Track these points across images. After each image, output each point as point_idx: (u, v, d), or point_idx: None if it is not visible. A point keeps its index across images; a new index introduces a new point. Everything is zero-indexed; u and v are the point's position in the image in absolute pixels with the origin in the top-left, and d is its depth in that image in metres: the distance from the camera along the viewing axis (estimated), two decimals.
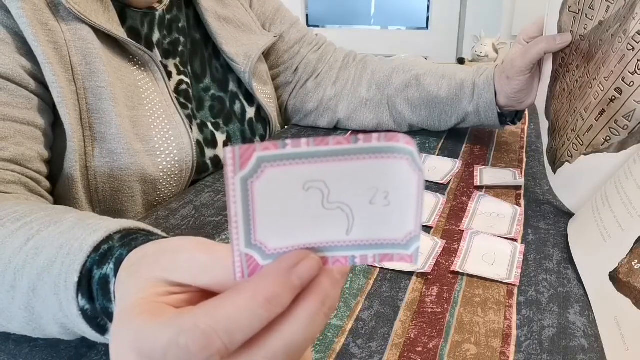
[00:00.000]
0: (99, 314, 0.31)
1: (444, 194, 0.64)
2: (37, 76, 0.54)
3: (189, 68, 0.72)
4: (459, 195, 0.64)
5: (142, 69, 0.63)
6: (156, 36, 0.67)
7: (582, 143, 0.55)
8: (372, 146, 0.20)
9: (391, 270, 0.48)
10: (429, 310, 0.43)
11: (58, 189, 0.57)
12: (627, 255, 0.42)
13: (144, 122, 0.61)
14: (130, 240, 0.32)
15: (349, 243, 0.22)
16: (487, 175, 0.69)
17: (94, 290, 0.31)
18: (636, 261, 0.40)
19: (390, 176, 0.21)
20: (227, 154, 0.20)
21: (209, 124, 0.73)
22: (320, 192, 0.21)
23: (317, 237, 0.22)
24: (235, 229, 0.21)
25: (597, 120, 0.52)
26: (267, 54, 0.85)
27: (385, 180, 0.21)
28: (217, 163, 0.73)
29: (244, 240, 0.21)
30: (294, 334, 0.22)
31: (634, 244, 0.41)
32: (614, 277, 0.42)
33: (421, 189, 0.21)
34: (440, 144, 0.80)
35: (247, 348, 0.22)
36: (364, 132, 0.84)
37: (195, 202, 0.62)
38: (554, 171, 0.61)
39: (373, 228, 0.22)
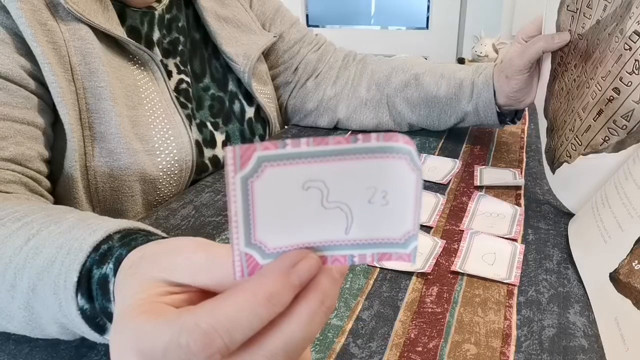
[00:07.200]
0: (98, 314, 0.31)
1: (444, 194, 0.64)
2: (37, 76, 0.54)
3: (189, 67, 0.73)
4: (459, 195, 0.64)
5: (142, 68, 0.63)
6: (156, 35, 0.67)
7: (580, 143, 0.55)
8: (371, 146, 0.20)
9: (391, 270, 0.48)
10: (429, 310, 0.43)
11: (58, 189, 0.57)
12: (627, 256, 0.42)
13: (144, 122, 0.61)
14: (130, 240, 0.32)
15: (348, 242, 0.23)
16: (487, 175, 0.69)
17: (94, 290, 0.31)
18: (636, 262, 0.40)
19: (388, 176, 0.21)
20: (227, 153, 0.20)
21: (208, 124, 0.73)
22: (319, 191, 0.21)
23: (316, 237, 0.22)
24: (235, 229, 0.21)
25: (595, 121, 0.52)
26: (267, 54, 0.85)
27: (384, 179, 0.21)
28: (216, 163, 0.73)
29: (244, 240, 0.22)
30: (293, 333, 0.22)
31: (634, 244, 0.41)
32: (614, 277, 0.42)
33: (419, 188, 0.21)
34: (440, 144, 0.80)
35: (247, 347, 0.22)
36: (364, 132, 0.84)
37: (195, 202, 0.62)
38: (553, 171, 0.61)
39: (372, 227, 0.22)
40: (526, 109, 0.78)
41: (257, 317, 0.21)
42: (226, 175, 0.20)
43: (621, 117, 0.50)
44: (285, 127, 0.92)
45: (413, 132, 0.85)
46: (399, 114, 0.82)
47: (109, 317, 0.31)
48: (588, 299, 0.44)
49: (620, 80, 0.49)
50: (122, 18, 0.63)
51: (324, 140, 0.20)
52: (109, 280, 0.30)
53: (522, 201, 0.62)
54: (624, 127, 0.50)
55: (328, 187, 0.21)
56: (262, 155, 0.20)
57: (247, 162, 0.20)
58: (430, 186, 0.66)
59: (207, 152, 0.71)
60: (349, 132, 0.87)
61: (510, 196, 0.63)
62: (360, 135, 0.20)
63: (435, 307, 0.43)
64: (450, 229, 0.56)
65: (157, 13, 0.67)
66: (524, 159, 0.75)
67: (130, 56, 0.62)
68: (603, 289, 0.43)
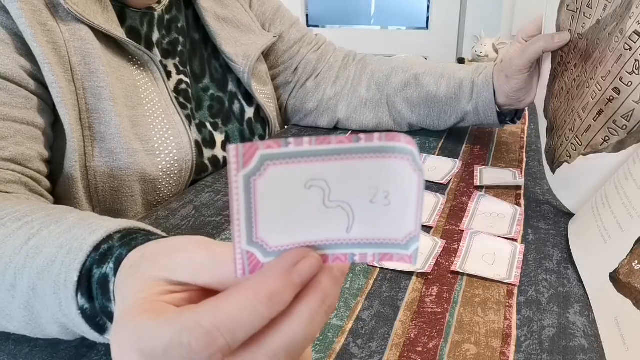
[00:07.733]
0: (98, 314, 0.31)
1: (444, 194, 0.64)
2: (37, 76, 0.54)
3: (189, 68, 0.73)
4: (459, 195, 0.64)
5: (142, 69, 0.63)
6: (156, 36, 0.67)
7: (580, 143, 0.55)
8: (373, 146, 0.20)
9: (391, 270, 0.48)
10: (429, 310, 0.43)
11: (58, 189, 0.57)
12: (627, 256, 0.42)
13: (144, 122, 0.61)
14: (130, 240, 0.32)
15: (349, 241, 0.23)
16: (487, 175, 0.69)
17: (94, 289, 0.31)
18: (636, 262, 0.40)
19: (391, 176, 0.21)
20: (230, 151, 0.20)
21: (208, 124, 0.73)
22: (321, 190, 0.21)
23: (317, 235, 0.22)
24: (237, 227, 0.21)
25: (595, 121, 0.52)
26: (266, 54, 0.85)
27: (386, 179, 0.21)
28: (216, 163, 0.73)
29: (246, 238, 0.22)
30: (294, 332, 0.22)
31: (634, 244, 0.41)
32: (614, 277, 0.42)
33: (421, 189, 0.21)
34: (440, 144, 0.80)
35: (248, 346, 0.22)
36: (364, 132, 0.84)
37: (195, 202, 0.62)
38: (553, 171, 0.61)
39: (373, 227, 0.22)
40: (526, 109, 0.78)
41: (258, 315, 0.21)
42: (229, 173, 0.20)
43: (621, 117, 0.50)
44: (285, 127, 0.92)
45: (413, 132, 0.85)
46: (399, 113, 0.82)
47: (109, 316, 0.31)
48: (588, 299, 0.44)
49: (620, 80, 0.49)
50: (122, 18, 0.63)
51: (327, 139, 0.20)
52: (109, 279, 0.30)
53: (522, 201, 0.62)
54: (624, 127, 0.50)
55: (330, 186, 0.21)
56: (264, 154, 0.20)
57: (249, 161, 0.20)
58: (430, 186, 0.66)
59: (207, 153, 0.71)
60: (349, 132, 0.87)
61: (510, 196, 0.63)
62: (362, 135, 0.20)
63: (435, 307, 0.43)
64: (450, 229, 0.56)
65: (156, 14, 0.67)
66: (524, 159, 0.75)
67: (130, 57, 0.62)
68: (603, 289, 0.43)
